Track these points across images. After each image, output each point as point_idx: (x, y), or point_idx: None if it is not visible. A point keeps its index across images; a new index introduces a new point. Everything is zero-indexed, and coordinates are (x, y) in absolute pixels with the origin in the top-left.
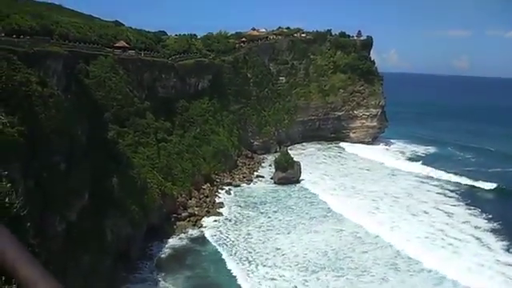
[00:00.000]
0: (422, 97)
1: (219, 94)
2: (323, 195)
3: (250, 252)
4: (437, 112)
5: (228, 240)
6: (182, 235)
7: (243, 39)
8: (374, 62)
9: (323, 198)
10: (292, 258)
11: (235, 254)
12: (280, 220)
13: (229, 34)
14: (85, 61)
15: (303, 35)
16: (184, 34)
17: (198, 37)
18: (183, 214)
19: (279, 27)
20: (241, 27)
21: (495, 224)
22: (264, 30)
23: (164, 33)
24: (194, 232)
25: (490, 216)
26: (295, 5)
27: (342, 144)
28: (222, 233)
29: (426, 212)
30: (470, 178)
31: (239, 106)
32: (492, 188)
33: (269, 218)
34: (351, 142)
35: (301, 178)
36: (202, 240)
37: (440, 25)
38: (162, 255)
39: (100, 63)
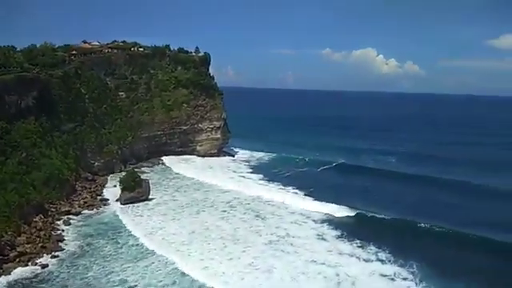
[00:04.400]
0: (257, 110)
1: (48, 112)
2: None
3: None
4: (271, 124)
5: (59, 280)
6: (10, 278)
7: (73, 52)
8: (213, 78)
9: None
10: None
11: None
12: (131, 245)
13: (56, 47)
14: None
15: (141, 49)
16: None
17: (18, 49)
18: (11, 255)
19: (114, 41)
20: (69, 39)
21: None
22: (97, 43)
23: None
24: (23, 273)
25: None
26: (129, 19)
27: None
28: (52, 273)
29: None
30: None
31: (74, 124)
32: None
33: (117, 244)
34: (198, 155)
35: (150, 197)
36: (30, 283)
37: (269, 44)
38: None
39: None
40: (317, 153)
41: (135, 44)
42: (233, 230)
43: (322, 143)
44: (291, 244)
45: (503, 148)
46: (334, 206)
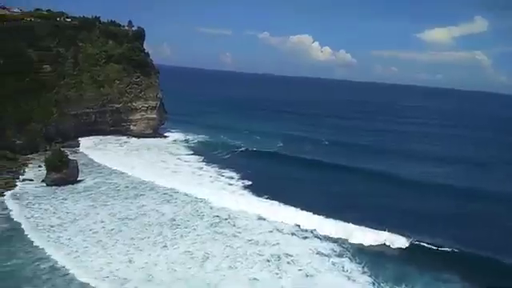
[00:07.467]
0: (194, 91)
1: None
2: None
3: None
4: (208, 105)
5: None
6: None
7: None
8: (148, 54)
9: None
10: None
11: None
12: (63, 231)
13: None
14: None
15: (68, 20)
16: None
17: None
18: None
19: (37, 9)
20: None
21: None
22: (18, 11)
23: None
24: None
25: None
26: None
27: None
28: None
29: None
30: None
31: None
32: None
33: (52, 230)
34: (132, 135)
35: (80, 178)
36: None
37: (204, 23)
38: None
39: None
40: (257, 136)
41: (62, 14)
42: (173, 213)
43: (259, 127)
44: (233, 225)
45: (417, 137)
46: (274, 202)
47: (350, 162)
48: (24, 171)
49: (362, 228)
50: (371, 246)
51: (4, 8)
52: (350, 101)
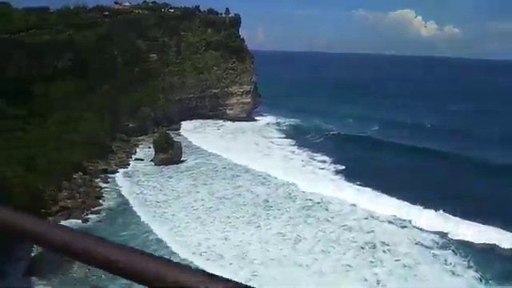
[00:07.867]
0: (285, 74)
1: (83, 74)
2: None
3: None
4: (299, 89)
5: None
6: None
7: (105, 13)
8: (243, 40)
9: None
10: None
11: None
12: (167, 207)
13: (88, 9)
14: None
15: (171, 10)
16: (33, 8)
17: (51, 10)
18: (53, 209)
19: (144, 1)
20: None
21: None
22: (128, 4)
23: (6, 4)
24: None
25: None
26: None
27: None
28: (92, 229)
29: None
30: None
31: (108, 86)
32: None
33: (158, 206)
34: (228, 119)
35: (183, 159)
36: None
37: (295, 4)
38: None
39: None
40: (350, 119)
41: (165, 5)
42: (266, 195)
43: (352, 110)
44: (326, 210)
45: None
46: (367, 188)
47: (456, 148)
48: (135, 151)
49: (467, 222)
50: (477, 242)
51: (116, 3)
52: (456, 80)
